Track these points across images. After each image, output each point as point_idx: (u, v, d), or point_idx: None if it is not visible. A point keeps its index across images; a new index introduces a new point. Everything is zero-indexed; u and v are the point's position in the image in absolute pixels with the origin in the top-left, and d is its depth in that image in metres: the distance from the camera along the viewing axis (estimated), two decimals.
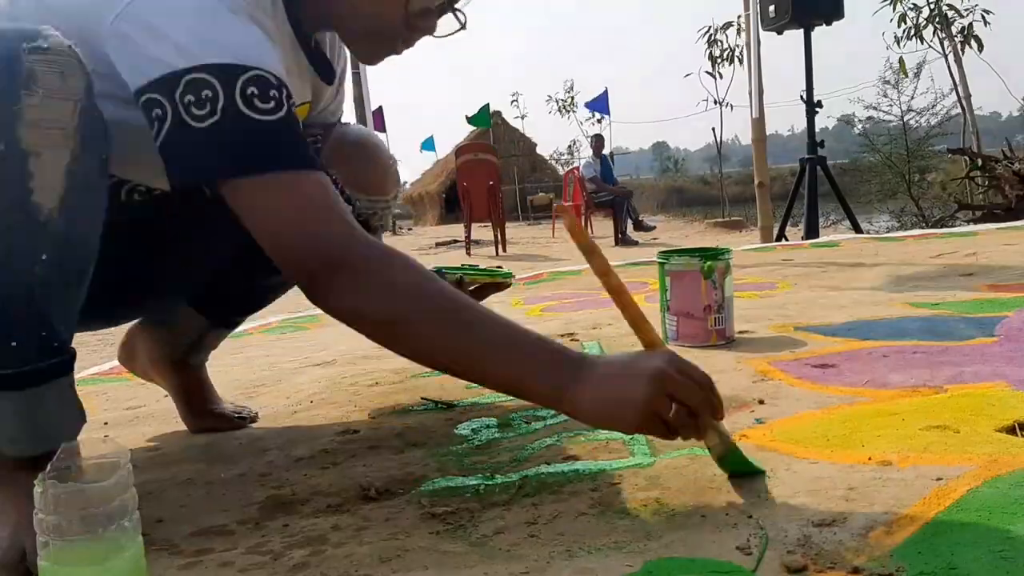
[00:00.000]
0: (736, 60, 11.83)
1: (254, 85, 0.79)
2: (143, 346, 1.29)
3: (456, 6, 0.98)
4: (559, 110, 18.34)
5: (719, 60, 12.27)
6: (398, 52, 1.01)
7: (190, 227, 1.06)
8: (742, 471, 0.85)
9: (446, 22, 1.00)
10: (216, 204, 0.83)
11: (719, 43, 12.11)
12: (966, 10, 8.44)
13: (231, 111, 0.78)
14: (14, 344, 0.75)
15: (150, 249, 1.04)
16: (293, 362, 1.74)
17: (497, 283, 1.27)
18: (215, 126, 0.78)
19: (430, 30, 0.98)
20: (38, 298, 0.75)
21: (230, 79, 0.78)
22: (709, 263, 1.42)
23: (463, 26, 1.01)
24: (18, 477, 0.76)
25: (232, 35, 0.81)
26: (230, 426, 1.26)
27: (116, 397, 1.57)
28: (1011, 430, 0.90)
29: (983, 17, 8.42)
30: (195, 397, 1.28)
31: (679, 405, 0.78)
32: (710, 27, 12.12)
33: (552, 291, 2.50)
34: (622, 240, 8.81)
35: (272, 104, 0.80)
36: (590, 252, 0.89)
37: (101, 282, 0.83)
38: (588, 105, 15.30)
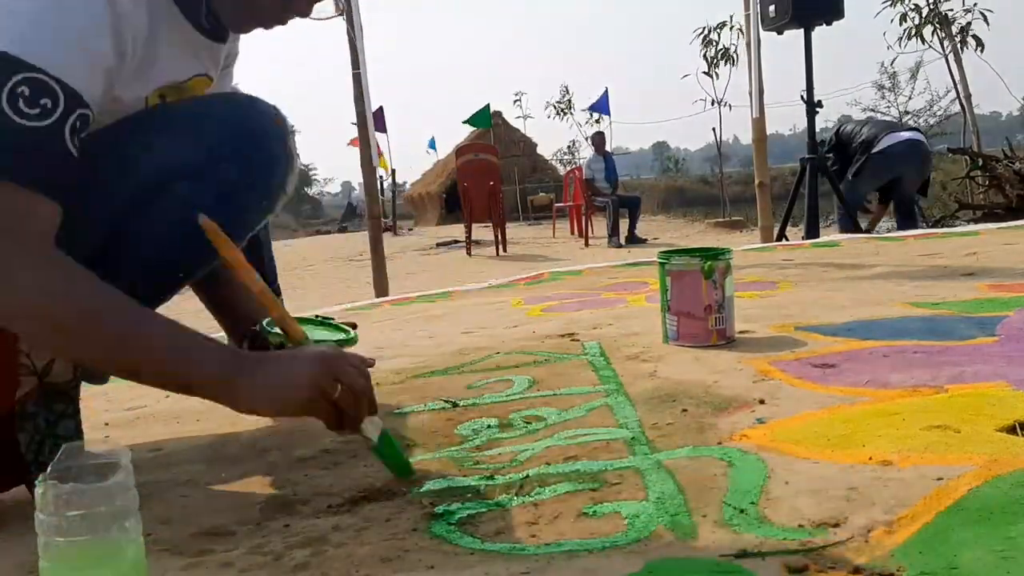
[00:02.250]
0: (732, 60, 11.83)
1: (26, 88, 0.78)
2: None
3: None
4: (557, 113, 18.36)
5: (715, 60, 12.26)
6: (267, 27, 1.03)
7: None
8: (395, 463, 0.93)
9: (323, 7, 1.02)
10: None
11: (714, 43, 12.11)
12: (966, 10, 8.44)
13: None
14: None
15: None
16: None
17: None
18: None
19: (304, 13, 1.01)
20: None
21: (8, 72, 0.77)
22: (709, 263, 1.42)
23: (340, 12, 1.05)
24: None
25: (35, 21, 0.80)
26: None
27: (117, 398, 1.57)
28: (1012, 430, 0.90)
29: (983, 16, 8.41)
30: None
31: (344, 388, 0.84)
32: (705, 28, 12.11)
33: (553, 291, 2.50)
34: (629, 239, 8.81)
35: (40, 110, 0.79)
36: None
37: None
38: (590, 108, 15.31)
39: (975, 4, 8.44)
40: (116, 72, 0.88)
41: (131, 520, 0.61)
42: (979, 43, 8.45)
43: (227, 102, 1.04)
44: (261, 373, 0.85)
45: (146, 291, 0.95)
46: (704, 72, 12.55)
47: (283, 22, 1.02)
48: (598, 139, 10.03)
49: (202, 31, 1.02)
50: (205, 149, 0.97)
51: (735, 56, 11.47)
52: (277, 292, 1.33)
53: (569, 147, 21.54)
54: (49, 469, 0.60)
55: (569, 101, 18.10)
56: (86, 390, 1.69)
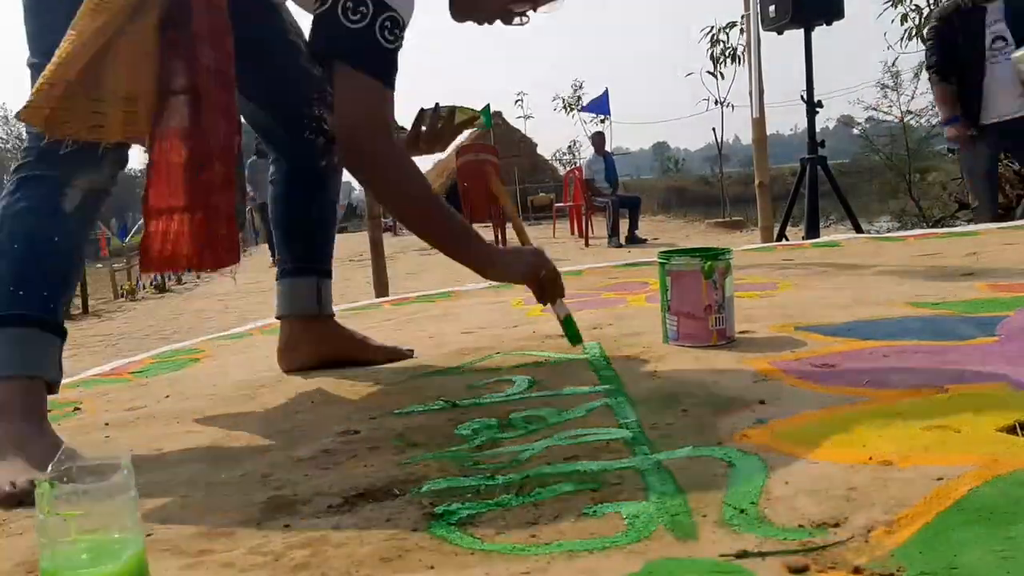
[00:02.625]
0: (738, 60, 11.83)
1: (392, 23, 1.21)
2: (301, 341, 1.59)
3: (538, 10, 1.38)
4: (564, 107, 18.35)
5: (721, 60, 12.26)
6: (479, 23, 1.40)
7: None
8: (571, 333, 1.37)
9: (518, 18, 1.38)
10: None
11: (721, 43, 12.11)
12: None
13: (367, 28, 1.19)
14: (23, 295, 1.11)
15: None
16: None
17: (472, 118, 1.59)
18: (354, 31, 1.19)
19: (507, 22, 1.38)
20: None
21: (379, 10, 1.19)
22: (710, 263, 1.42)
23: (524, 23, 1.39)
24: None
25: None
26: (398, 355, 1.63)
27: (116, 398, 1.57)
28: (1012, 430, 0.90)
29: None
30: (356, 345, 1.63)
31: (548, 272, 1.34)
32: (712, 27, 12.12)
33: None
34: (630, 239, 8.82)
35: (393, 38, 1.22)
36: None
37: None
38: (587, 108, 15.29)
39: None
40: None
41: (131, 520, 0.62)
42: None
43: None
44: (503, 262, 1.34)
45: None
46: (708, 72, 12.55)
47: (491, 23, 1.40)
48: (597, 139, 10.04)
49: None
50: None
51: (741, 57, 11.47)
52: (330, 273, 1.62)
53: (569, 147, 21.56)
54: (48, 470, 0.61)
55: (579, 97, 18.11)
56: (86, 391, 1.70)
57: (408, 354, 1.64)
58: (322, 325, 1.60)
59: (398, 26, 1.21)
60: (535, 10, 1.37)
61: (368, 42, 1.19)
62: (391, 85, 1.24)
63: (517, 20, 1.38)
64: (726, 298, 1.44)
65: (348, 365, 1.58)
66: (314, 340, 1.59)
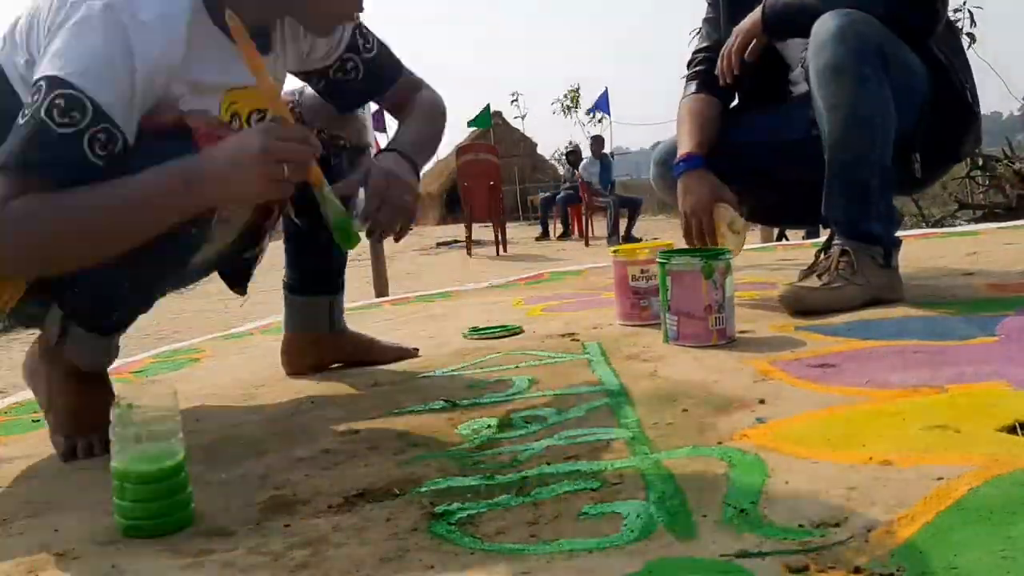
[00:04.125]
0: None
1: (62, 100, 0.97)
2: (300, 350, 1.58)
3: None
4: (563, 110, 18.36)
5: None
6: (345, 23, 1.28)
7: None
8: (342, 229, 1.13)
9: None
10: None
11: None
12: (955, 10, 8.42)
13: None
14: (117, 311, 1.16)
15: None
16: None
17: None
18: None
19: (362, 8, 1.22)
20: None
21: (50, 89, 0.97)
22: (710, 263, 1.42)
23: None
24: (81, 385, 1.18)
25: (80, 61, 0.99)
26: (405, 355, 1.61)
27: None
28: (1012, 429, 0.90)
29: (970, 14, 8.39)
30: (363, 348, 1.60)
31: (290, 141, 1.01)
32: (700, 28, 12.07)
33: (553, 291, 2.50)
34: (626, 239, 8.83)
35: (67, 120, 0.97)
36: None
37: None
38: (590, 110, 15.32)
39: (964, 3, 8.43)
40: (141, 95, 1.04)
41: (178, 435, 0.86)
42: (972, 39, 8.42)
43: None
44: (210, 163, 1.02)
45: None
46: None
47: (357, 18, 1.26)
48: (594, 143, 10.07)
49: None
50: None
51: None
52: (342, 285, 1.59)
53: (567, 147, 21.58)
54: (117, 397, 0.85)
55: (576, 100, 18.10)
56: None
57: (414, 353, 1.64)
58: (332, 338, 1.59)
59: (76, 107, 0.97)
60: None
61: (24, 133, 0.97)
62: (11, 167, 0.98)
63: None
64: (726, 298, 1.44)
65: (355, 366, 1.59)
66: (321, 351, 1.59)
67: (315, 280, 1.56)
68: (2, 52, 1.13)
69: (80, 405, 1.18)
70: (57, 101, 0.97)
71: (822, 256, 1.69)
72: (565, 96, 18.42)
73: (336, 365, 1.60)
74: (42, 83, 0.98)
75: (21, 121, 0.98)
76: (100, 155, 0.99)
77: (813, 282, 1.64)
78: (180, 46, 1.07)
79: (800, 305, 1.60)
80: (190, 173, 1.01)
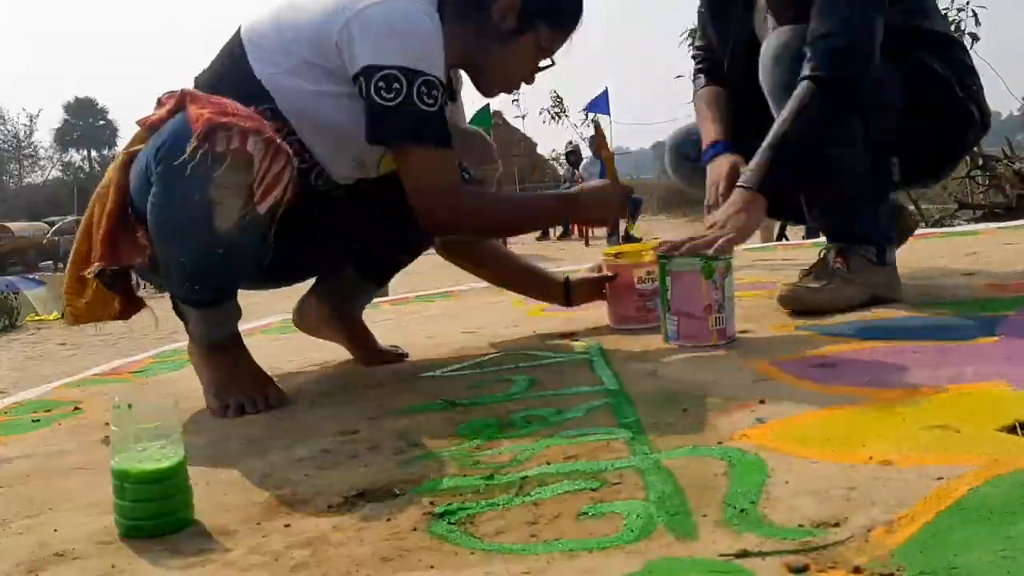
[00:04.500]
0: None
1: (429, 87, 1.28)
2: (313, 308, 1.68)
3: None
4: (552, 117, 18.37)
5: None
6: (509, 92, 1.57)
7: (352, 206, 1.49)
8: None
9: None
10: (371, 186, 1.46)
11: None
12: (958, 9, 8.42)
13: (407, 99, 1.27)
14: (198, 288, 1.31)
15: (326, 222, 1.48)
16: (294, 362, 1.74)
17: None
18: (395, 106, 1.27)
19: (531, 82, 1.52)
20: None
21: (411, 79, 1.27)
22: (710, 263, 1.42)
23: (551, 64, 1.52)
24: (213, 355, 1.36)
25: (425, 49, 1.29)
26: (394, 359, 1.65)
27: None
28: (1012, 429, 0.90)
29: (974, 14, 8.39)
30: (363, 340, 1.68)
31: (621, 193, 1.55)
32: (693, 29, 12.03)
33: None
34: (625, 239, 8.82)
35: (433, 100, 1.29)
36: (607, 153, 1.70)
37: (289, 250, 1.36)
38: (588, 108, 15.28)
39: (967, 2, 8.42)
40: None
41: (177, 436, 0.87)
42: (974, 39, 8.42)
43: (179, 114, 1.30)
44: (588, 199, 1.54)
45: None
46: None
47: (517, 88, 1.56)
48: (593, 142, 10.06)
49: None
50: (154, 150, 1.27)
51: None
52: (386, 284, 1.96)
53: (567, 147, 21.57)
54: (117, 398, 0.86)
55: (561, 106, 18.11)
56: (86, 390, 1.69)
57: (402, 358, 1.66)
58: (341, 311, 1.67)
59: (435, 87, 1.28)
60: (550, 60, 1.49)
61: (409, 115, 1.27)
62: (445, 144, 1.32)
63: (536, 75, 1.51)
64: (726, 298, 1.44)
65: (343, 353, 1.66)
66: (326, 315, 1.67)
67: (375, 263, 1.68)
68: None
69: (220, 371, 1.35)
70: (422, 88, 1.27)
71: (819, 256, 1.73)
72: (553, 105, 18.42)
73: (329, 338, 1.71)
74: (397, 73, 1.26)
75: (393, 103, 1.27)
76: (442, 107, 1.32)
77: (811, 282, 1.66)
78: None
79: (799, 305, 1.63)
80: (572, 200, 1.55)
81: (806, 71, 1.54)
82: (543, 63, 1.48)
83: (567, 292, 1.76)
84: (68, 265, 1.37)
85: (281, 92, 1.32)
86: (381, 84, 1.26)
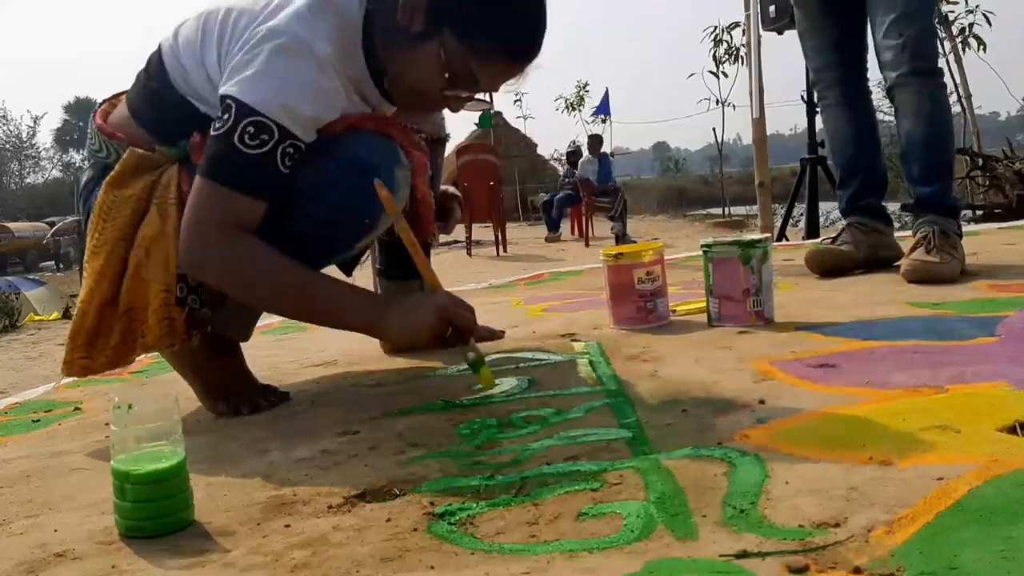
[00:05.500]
0: (740, 60, 11.86)
1: (252, 127, 1.15)
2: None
3: (481, 96, 1.31)
4: (567, 107, 18.34)
5: (724, 60, 12.28)
6: (428, 116, 1.47)
7: None
8: (485, 377, 1.25)
9: (475, 103, 1.32)
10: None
11: (724, 43, 12.13)
12: (968, 11, 8.43)
13: (228, 134, 1.15)
14: None
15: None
16: (294, 363, 1.74)
17: None
18: (215, 136, 1.17)
19: (455, 110, 1.33)
20: None
21: (241, 116, 1.15)
22: (747, 250, 1.54)
23: (489, 106, 1.40)
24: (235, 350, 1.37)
25: (287, 93, 1.16)
26: (493, 335, 1.68)
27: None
28: (1012, 430, 0.90)
29: (985, 17, 8.41)
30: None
31: (454, 329, 1.22)
32: (716, 27, 12.13)
33: (553, 291, 2.50)
34: (621, 240, 8.82)
35: (257, 144, 1.15)
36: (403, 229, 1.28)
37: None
38: (595, 113, 15.33)
39: (977, 6, 8.44)
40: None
41: (178, 436, 0.87)
42: (980, 43, 8.44)
43: (355, 137, 1.25)
44: (396, 321, 1.25)
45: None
46: (711, 72, 12.56)
47: (439, 112, 1.46)
48: (592, 142, 10.09)
49: (389, 101, 1.34)
50: (323, 172, 1.23)
51: (743, 57, 11.52)
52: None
53: (568, 147, 21.58)
54: (117, 398, 0.86)
55: (582, 98, 18.08)
56: (86, 390, 1.69)
57: (500, 335, 1.71)
58: None
59: (266, 131, 1.15)
60: (484, 91, 1.30)
61: (221, 151, 1.16)
62: (243, 189, 1.17)
63: (471, 106, 1.33)
64: (764, 282, 1.56)
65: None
66: None
67: (403, 264, 1.61)
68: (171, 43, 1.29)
69: (225, 374, 1.35)
70: (248, 128, 1.15)
71: (920, 234, 2.00)
72: (576, 91, 18.38)
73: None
74: (231, 104, 1.15)
75: (213, 133, 1.16)
76: (288, 165, 1.18)
77: (932, 256, 1.92)
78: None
79: (928, 275, 1.88)
80: (376, 320, 1.26)
81: (903, 69, 2.00)
82: (477, 96, 1.30)
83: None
84: (85, 296, 1.24)
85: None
86: (219, 112, 1.17)
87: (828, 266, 2.15)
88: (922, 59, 2.02)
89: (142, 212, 1.23)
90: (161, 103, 1.30)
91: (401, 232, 1.26)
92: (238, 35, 1.21)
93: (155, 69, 1.30)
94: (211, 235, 1.17)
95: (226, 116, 1.15)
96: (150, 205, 1.24)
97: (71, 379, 1.86)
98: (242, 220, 1.18)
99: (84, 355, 1.23)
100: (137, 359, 2.04)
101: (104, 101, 1.41)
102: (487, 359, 1.53)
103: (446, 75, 1.22)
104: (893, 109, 2.10)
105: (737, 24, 11.57)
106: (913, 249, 1.98)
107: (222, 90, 1.17)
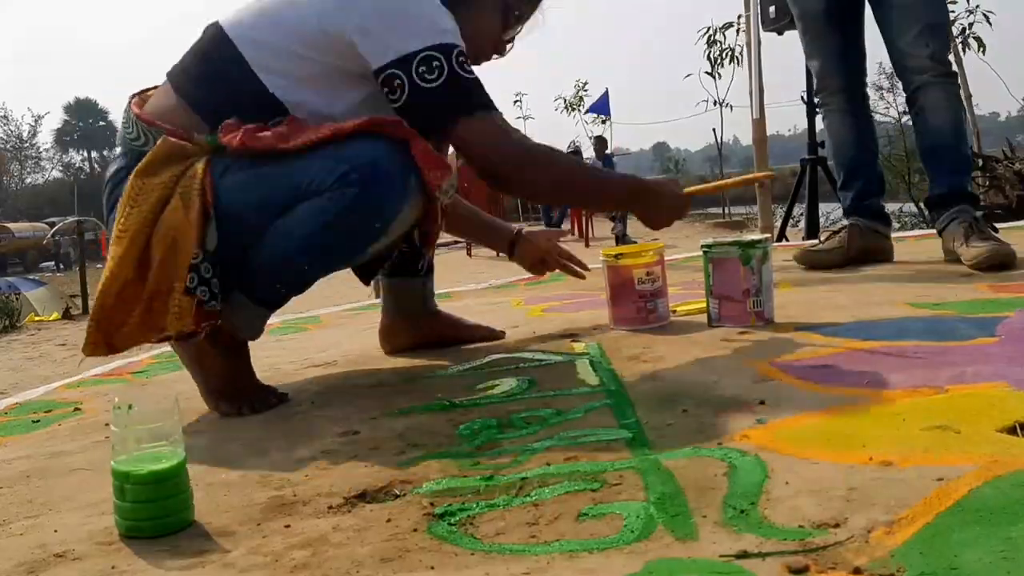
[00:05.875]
0: (736, 60, 11.86)
1: (463, 56, 1.27)
2: (400, 327, 1.69)
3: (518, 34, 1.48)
4: (566, 107, 18.35)
5: (718, 60, 12.28)
6: (477, 64, 1.42)
7: None
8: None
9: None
10: None
11: (718, 43, 12.13)
12: (968, 11, 8.44)
13: (451, 74, 1.26)
14: (286, 291, 1.34)
15: None
16: (294, 363, 1.74)
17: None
18: (442, 85, 1.26)
19: (504, 53, 1.49)
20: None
21: (448, 54, 1.26)
22: (747, 251, 1.54)
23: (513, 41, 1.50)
24: (242, 350, 1.37)
25: (445, 24, 1.28)
26: (493, 334, 1.75)
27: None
28: (1012, 430, 0.90)
29: (986, 17, 8.41)
30: (455, 326, 1.75)
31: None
32: (709, 28, 12.14)
33: (553, 292, 2.50)
34: (621, 241, 8.83)
35: (470, 68, 1.29)
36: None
37: None
38: (590, 109, 15.33)
39: (977, 6, 8.44)
40: None
41: (178, 436, 0.87)
42: (981, 44, 8.44)
43: (368, 138, 1.25)
44: (654, 201, 1.52)
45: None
46: (707, 72, 12.57)
47: (488, 60, 1.49)
48: (597, 143, 10.08)
49: None
50: (336, 173, 1.23)
51: (739, 57, 11.53)
52: (428, 270, 1.70)
53: (569, 147, 21.58)
54: (117, 398, 0.86)
55: (581, 98, 18.07)
56: (86, 391, 1.69)
57: (501, 334, 1.74)
58: (427, 319, 1.69)
59: (464, 54, 1.28)
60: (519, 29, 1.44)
61: (454, 89, 1.26)
62: (488, 105, 1.32)
63: (509, 46, 1.47)
64: (764, 283, 1.56)
65: (446, 345, 1.68)
66: (413, 328, 1.69)
67: (403, 263, 1.63)
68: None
69: (230, 374, 1.35)
70: (458, 58, 1.26)
71: (961, 223, 2.12)
72: (575, 91, 18.38)
73: (426, 345, 1.69)
74: (427, 55, 1.25)
75: (438, 83, 1.26)
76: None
77: (993, 243, 2.04)
78: None
79: (1006, 259, 1.99)
80: (643, 192, 1.51)
81: (932, 73, 2.18)
82: (511, 34, 1.44)
83: (513, 244, 1.79)
84: (107, 280, 1.21)
85: (299, 107, 1.29)
86: (422, 68, 1.24)
87: (812, 263, 2.35)
88: (946, 64, 2.23)
89: (167, 200, 1.23)
90: (224, 80, 1.30)
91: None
92: None
93: (215, 45, 1.31)
94: (517, 159, 1.36)
95: (436, 63, 1.24)
96: (175, 193, 1.23)
97: (71, 379, 1.86)
98: (510, 126, 1.37)
99: (106, 336, 1.24)
100: (148, 352, 2.04)
101: (135, 94, 1.40)
102: (487, 359, 1.54)
103: (513, 14, 1.40)
104: (915, 111, 2.27)
105: (730, 24, 11.57)
106: (966, 239, 2.08)
107: (403, 49, 1.24)
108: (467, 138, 1.33)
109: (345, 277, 1.58)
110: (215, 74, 1.32)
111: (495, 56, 1.45)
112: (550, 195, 1.58)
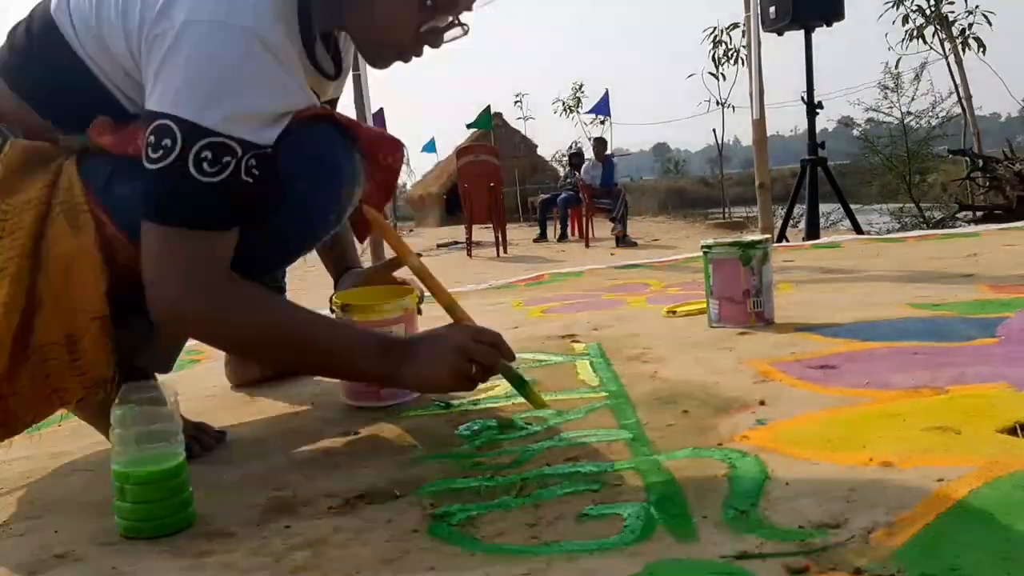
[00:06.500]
0: (740, 61, 11.88)
1: (209, 151, 0.92)
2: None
3: (457, 19, 1.08)
4: (565, 109, 18.37)
5: (723, 61, 12.30)
6: (405, 61, 1.13)
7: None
8: (534, 398, 1.03)
9: (450, 32, 1.10)
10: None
11: (723, 44, 12.15)
12: (968, 12, 8.45)
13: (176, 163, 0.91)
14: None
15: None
16: None
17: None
18: (159, 171, 0.92)
19: (436, 45, 1.10)
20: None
21: (191, 137, 0.91)
22: (747, 251, 1.55)
23: (465, 32, 1.11)
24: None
25: (234, 96, 0.93)
26: None
27: None
28: (1012, 431, 0.90)
29: (985, 18, 8.42)
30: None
31: (478, 368, 1.00)
32: (715, 28, 12.16)
33: (553, 293, 2.50)
34: (622, 242, 8.82)
35: (217, 169, 0.92)
36: (396, 242, 1.17)
37: None
38: (591, 111, 15.35)
39: (976, 6, 8.45)
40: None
41: (180, 435, 0.87)
42: (980, 45, 8.45)
43: (313, 130, 1.05)
44: (413, 367, 1.01)
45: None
46: (710, 73, 12.58)
47: (419, 55, 1.12)
48: (597, 145, 10.09)
49: (321, 73, 1.11)
50: (290, 167, 1.01)
51: (743, 58, 11.54)
52: (284, 288, 1.49)
53: (570, 148, 21.59)
54: (117, 399, 0.85)
55: (579, 100, 18.10)
56: None
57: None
58: None
59: (228, 152, 0.92)
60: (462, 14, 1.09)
61: (174, 186, 0.92)
62: (209, 225, 0.95)
63: (449, 36, 1.10)
64: (764, 283, 1.56)
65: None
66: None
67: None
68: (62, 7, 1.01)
69: None
70: (204, 153, 0.91)
71: None
72: (572, 94, 18.41)
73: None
74: (169, 126, 0.91)
75: (156, 167, 0.92)
76: (255, 174, 0.96)
77: None
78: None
79: None
80: (393, 367, 1.02)
81: None
82: (431, 24, 1.07)
83: (337, 278, 1.46)
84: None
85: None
86: (151, 138, 0.92)
87: None
88: None
89: (44, 219, 0.98)
90: (54, 73, 1.03)
91: (414, 268, 1.14)
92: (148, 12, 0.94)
93: (43, 29, 1.02)
94: (191, 292, 0.96)
95: (167, 142, 0.91)
96: (52, 211, 0.98)
97: None
98: (219, 258, 0.97)
99: None
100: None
101: None
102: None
103: (428, 2, 1.04)
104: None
105: (736, 25, 11.58)
106: None
107: (152, 106, 0.93)
108: (143, 242, 0.96)
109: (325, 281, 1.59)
110: (49, 66, 1.04)
111: (415, 55, 1.11)
112: (221, 347, 1.14)
